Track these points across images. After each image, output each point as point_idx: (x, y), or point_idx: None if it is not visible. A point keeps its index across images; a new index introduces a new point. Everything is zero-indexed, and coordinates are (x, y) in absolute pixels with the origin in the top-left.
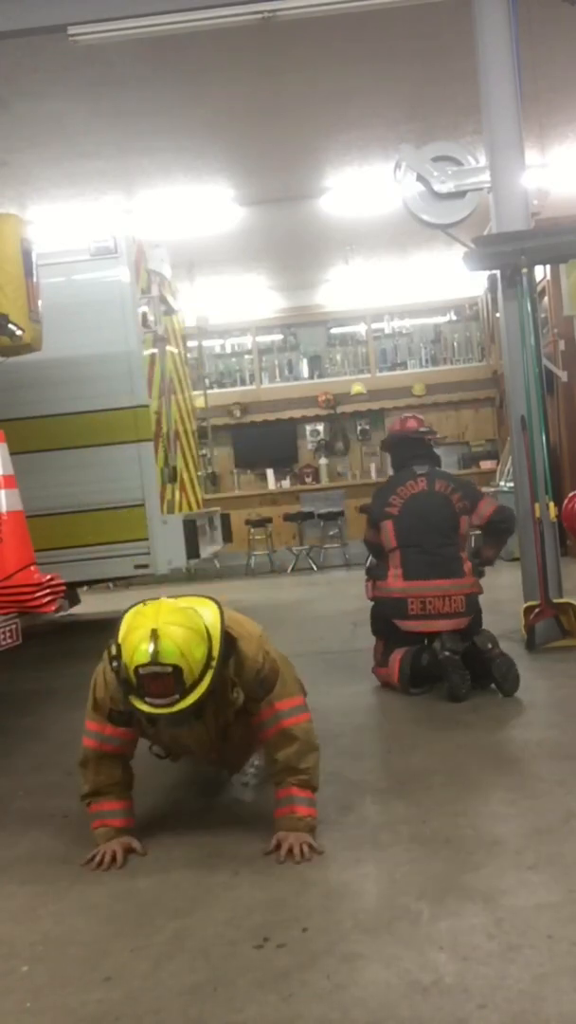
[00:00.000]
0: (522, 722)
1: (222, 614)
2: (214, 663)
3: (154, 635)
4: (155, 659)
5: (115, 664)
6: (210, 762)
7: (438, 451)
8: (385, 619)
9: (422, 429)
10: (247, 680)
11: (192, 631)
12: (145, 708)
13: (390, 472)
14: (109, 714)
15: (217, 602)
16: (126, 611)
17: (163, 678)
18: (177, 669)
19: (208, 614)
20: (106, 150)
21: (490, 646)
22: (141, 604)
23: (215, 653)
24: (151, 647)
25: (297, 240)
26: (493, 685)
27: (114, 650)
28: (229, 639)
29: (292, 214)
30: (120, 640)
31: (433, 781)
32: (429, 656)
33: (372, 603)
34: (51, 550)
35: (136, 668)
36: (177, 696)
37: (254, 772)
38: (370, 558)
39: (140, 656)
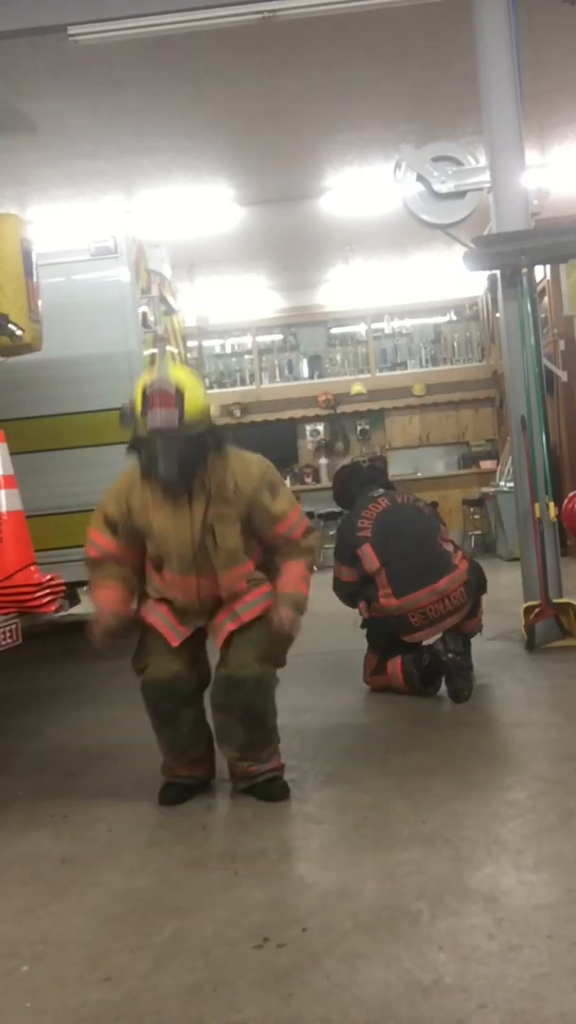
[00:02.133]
0: (522, 722)
1: None
2: (209, 427)
3: (160, 365)
4: (160, 376)
5: (126, 413)
6: (189, 591)
7: (437, 452)
8: (388, 636)
9: (356, 459)
10: (254, 477)
11: (196, 382)
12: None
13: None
14: (114, 529)
15: None
16: None
17: (167, 395)
18: (179, 392)
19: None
20: (106, 150)
21: (450, 655)
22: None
23: (212, 414)
24: (157, 372)
25: (297, 240)
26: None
27: (126, 408)
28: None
29: (292, 214)
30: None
31: (433, 781)
32: (431, 656)
33: (367, 620)
34: (51, 550)
35: (144, 390)
36: (177, 414)
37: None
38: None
39: (147, 379)
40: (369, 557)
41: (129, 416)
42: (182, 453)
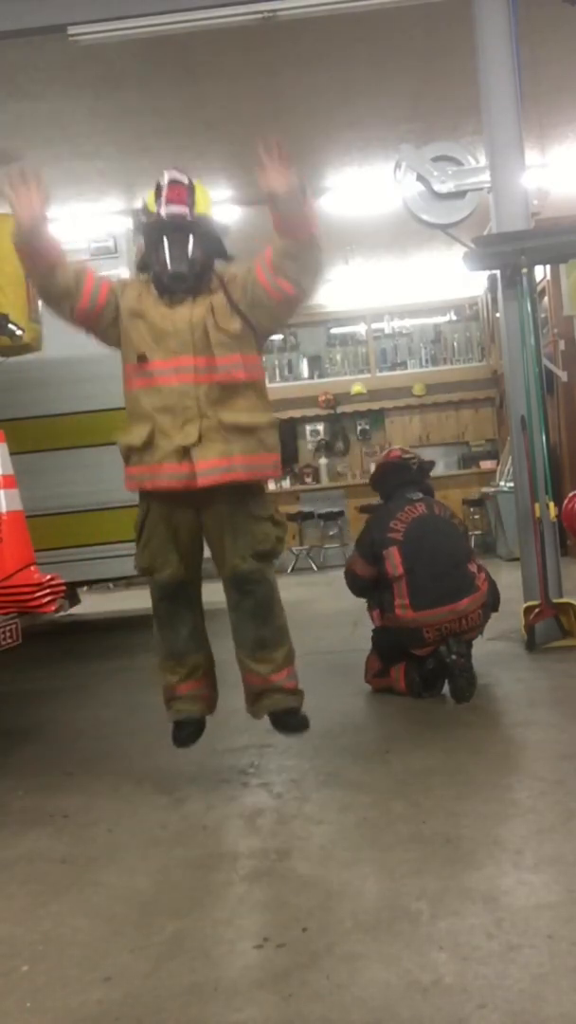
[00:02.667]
0: (522, 722)
1: None
2: (216, 228)
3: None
4: (176, 170)
5: (140, 210)
6: (184, 372)
7: (437, 452)
8: (397, 646)
9: (406, 456)
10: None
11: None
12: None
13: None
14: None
15: None
16: None
17: (180, 186)
18: (191, 185)
19: None
20: (106, 150)
21: (454, 657)
22: None
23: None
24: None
25: None
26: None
27: (140, 205)
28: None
29: None
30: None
31: (433, 781)
32: (435, 660)
33: (377, 628)
34: (51, 550)
35: (158, 182)
36: (189, 204)
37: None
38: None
39: (165, 175)
40: (394, 560)
41: (142, 215)
42: (191, 248)
